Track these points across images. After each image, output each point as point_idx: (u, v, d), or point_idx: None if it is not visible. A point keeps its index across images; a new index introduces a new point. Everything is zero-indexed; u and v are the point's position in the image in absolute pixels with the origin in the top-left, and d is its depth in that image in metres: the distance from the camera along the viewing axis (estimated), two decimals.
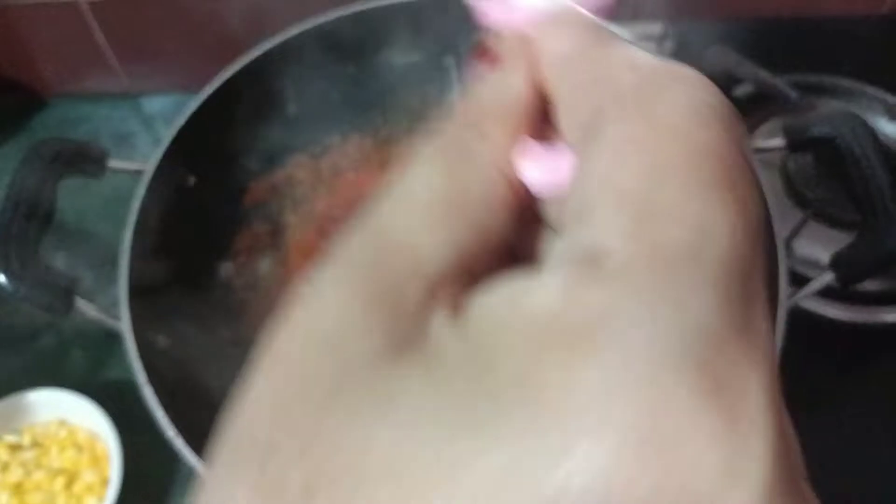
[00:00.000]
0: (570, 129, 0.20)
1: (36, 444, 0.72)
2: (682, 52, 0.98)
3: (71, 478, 0.70)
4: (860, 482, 0.69)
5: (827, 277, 0.58)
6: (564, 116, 0.20)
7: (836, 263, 0.58)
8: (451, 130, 0.20)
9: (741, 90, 0.92)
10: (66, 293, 0.57)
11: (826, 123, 0.61)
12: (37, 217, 0.58)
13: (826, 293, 0.76)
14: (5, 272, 0.55)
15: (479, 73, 0.22)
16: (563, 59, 0.20)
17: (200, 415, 0.59)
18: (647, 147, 0.16)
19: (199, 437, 0.54)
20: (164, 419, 0.53)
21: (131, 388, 0.76)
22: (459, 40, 0.79)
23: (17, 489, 0.69)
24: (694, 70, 0.18)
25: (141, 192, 0.63)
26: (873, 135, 0.60)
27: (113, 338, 0.80)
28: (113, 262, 0.87)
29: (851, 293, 0.77)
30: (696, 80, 0.18)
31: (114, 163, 0.64)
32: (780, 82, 0.87)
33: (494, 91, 0.21)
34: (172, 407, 0.54)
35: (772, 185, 0.84)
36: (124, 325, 0.57)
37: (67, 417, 0.73)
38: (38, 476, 0.70)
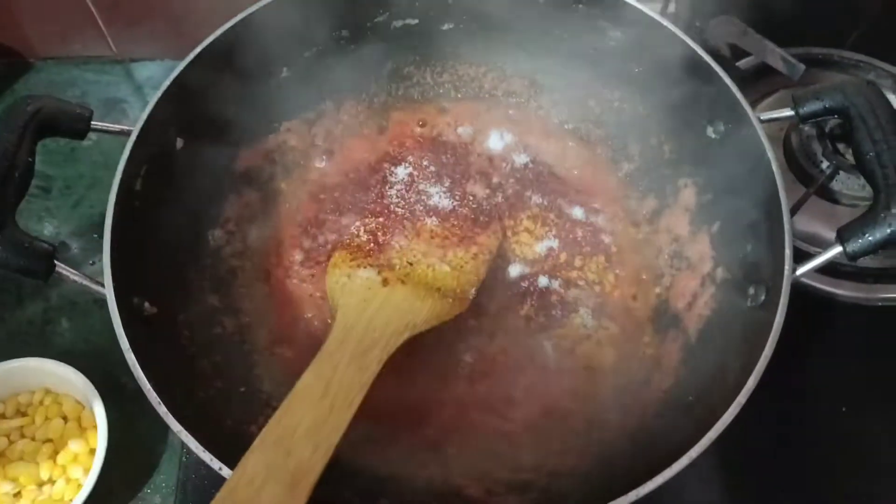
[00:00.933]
0: None
1: (20, 413, 0.71)
2: (687, 21, 0.96)
3: (56, 448, 0.69)
4: (854, 451, 0.70)
5: (834, 251, 0.56)
6: None
7: (844, 236, 0.56)
8: None
9: (746, 62, 0.91)
10: (46, 257, 0.55)
11: (838, 92, 0.59)
12: (13, 179, 0.55)
13: (825, 269, 0.76)
14: None
15: None
16: None
17: (188, 383, 0.58)
18: None
19: (185, 406, 0.52)
20: (148, 386, 0.51)
21: (119, 357, 0.75)
22: (459, 4, 0.77)
23: (0, 459, 0.68)
24: None
25: (126, 153, 0.61)
26: (888, 104, 0.58)
27: (101, 305, 0.79)
28: (101, 230, 0.86)
29: (850, 270, 0.77)
30: None
31: (98, 123, 0.61)
32: (786, 54, 0.85)
33: None
34: (159, 375, 0.53)
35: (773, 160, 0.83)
36: (108, 291, 0.55)
37: (53, 386, 0.72)
38: (22, 446, 0.69)
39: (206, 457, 0.49)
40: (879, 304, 0.77)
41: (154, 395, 0.51)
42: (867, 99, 0.58)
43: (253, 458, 0.49)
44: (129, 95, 1.00)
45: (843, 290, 0.77)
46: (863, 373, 0.75)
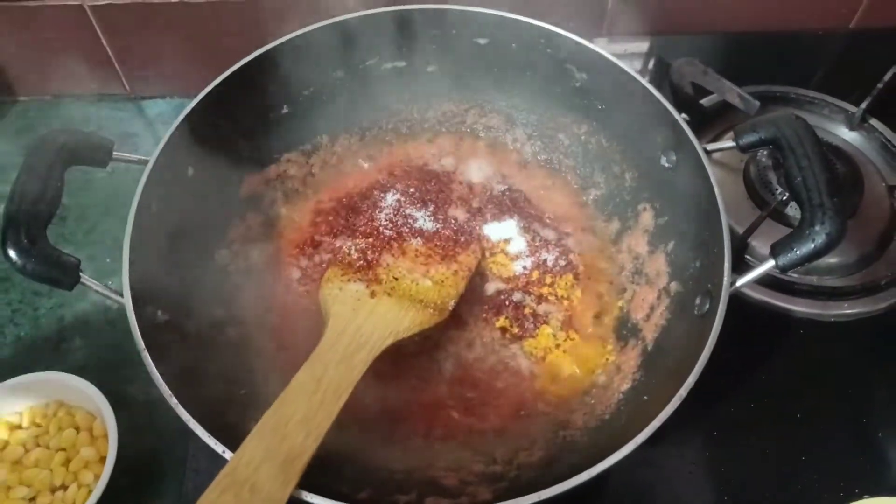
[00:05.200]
0: None
1: (35, 423, 0.75)
2: (658, 64, 1.04)
3: (68, 456, 0.73)
4: (805, 449, 0.75)
5: (768, 264, 0.62)
6: None
7: (776, 251, 0.62)
8: None
9: (708, 100, 0.98)
10: (72, 269, 0.61)
11: (771, 125, 0.66)
12: (45, 200, 0.61)
13: (783, 288, 0.82)
14: (15, 249, 0.58)
15: None
16: None
17: (195, 384, 0.63)
18: None
19: (192, 403, 0.57)
20: (160, 380, 0.57)
21: (128, 372, 0.79)
22: (442, 48, 0.84)
23: (16, 466, 0.72)
24: None
25: (143, 178, 0.67)
26: (814, 135, 0.64)
27: (112, 325, 0.85)
28: (113, 255, 0.90)
29: (806, 289, 0.83)
30: None
31: (118, 153, 0.68)
32: (743, 92, 0.92)
33: None
34: (169, 375, 0.58)
35: (734, 188, 0.89)
36: (126, 299, 0.61)
37: (67, 399, 0.76)
38: (37, 454, 0.73)
39: (212, 442, 0.54)
40: (832, 319, 0.82)
41: (166, 388, 0.56)
42: (795, 131, 0.64)
43: (252, 443, 0.55)
44: (140, 130, 1.06)
45: (799, 307, 0.82)
46: (816, 380, 0.79)
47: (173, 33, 1.00)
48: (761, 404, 0.77)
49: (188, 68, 1.02)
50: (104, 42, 1.01)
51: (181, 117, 0.71)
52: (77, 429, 0.75)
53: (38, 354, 0.84)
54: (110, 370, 0.81)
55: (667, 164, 0.75)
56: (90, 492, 0.69)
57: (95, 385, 0.74)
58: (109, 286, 0.63)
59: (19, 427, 0.75)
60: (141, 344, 0.59)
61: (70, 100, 1.09)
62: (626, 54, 1.06)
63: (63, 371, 0.75)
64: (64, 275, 0.61)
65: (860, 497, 0.69)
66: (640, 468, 0.72)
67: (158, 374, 0.57)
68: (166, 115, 1.08)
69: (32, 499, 0.71)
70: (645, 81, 0.73)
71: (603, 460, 0.54)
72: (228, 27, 0.98)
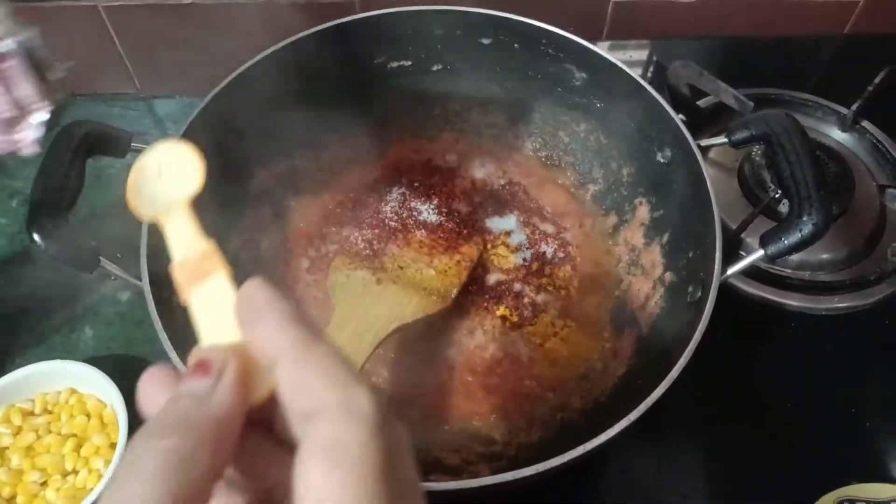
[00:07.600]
0: (292, 419, 0.26)
1: (47, 411, 0.77)
2: (657, 67, 1.07)
3: (79, 442, 0.74)
4: (793, 440, 0.76)
5: (757, 254, 0.65)
6: (287, 409, 0.27)
7: (765, 241, 0.65)
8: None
9: (704, 101, 1.01)
10: (92, 253, 0.64)
11: (762, 122, 0.69)
12: (67, 187, 0.65)
13: (777, 282, 0.85)
14: (39, 232, 0.61)
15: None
16: (275, 362, 0.27)
17: None
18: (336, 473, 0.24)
19: None
20: (177, 360, 0.59)
21: (138, 364, 0.82)
22: (447, 48, 0.87)
23: (29, 451, 0.74)
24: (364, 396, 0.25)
25: None
26: (803, 132, 0.67)
27: (122, 316, 0.87)
28: (123, 251, 0.91)
29: (799, 283, 0.86)
30: (364, 411, 0.25)
31: (136, 144, 0.71)
32: (738, 94, 0.95)
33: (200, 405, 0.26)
34: (183, 357, 0.59)
35: (729, 185, 0.92)
36: (144, 283, 0.64)
37: (77, 387, 0.78)
38: (49, 440, 0.74)
39: None
40: (823, 312, 0.85)
41: (182, 365, 0.58)
42: (785, 128, 0.67)
43: None
44: (150, 129, 1.08)
45: (791, 301, 0.84)
46: (808, 371, 0.82)
47: (184, 34, 1.02)
48: (755, 394, 0.80)
49: (199, 69, 1.03)
50: (117, 42, 1.04)
51: (194, 114, 0.73)
52: (88, 416, 0.76)
53: (50, 344, 0.86)
54: (120, 360, 0.83)
55: (662, 160, 0.78)
56: (100, 476, 0.71)
57: (106, 374, 0.75)
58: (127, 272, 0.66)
59: (32, 414, 0.77)
60: (159, 325, 0.61)
61: (82, 98, 1.11)
62: (627, 59, 1.09)
63: (74, 360, 0.77)
64: (85, 258, 0.64)
65: (850, 483, 0.71)
66: (637, 460, 0.75)
67: (176, 355, 0.59)
68: (175, 114, 1.10)
69: (44, 483, 0.72)
70: (640, 79, 0.76)
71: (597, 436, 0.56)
72: (239, 28, 1.01)
